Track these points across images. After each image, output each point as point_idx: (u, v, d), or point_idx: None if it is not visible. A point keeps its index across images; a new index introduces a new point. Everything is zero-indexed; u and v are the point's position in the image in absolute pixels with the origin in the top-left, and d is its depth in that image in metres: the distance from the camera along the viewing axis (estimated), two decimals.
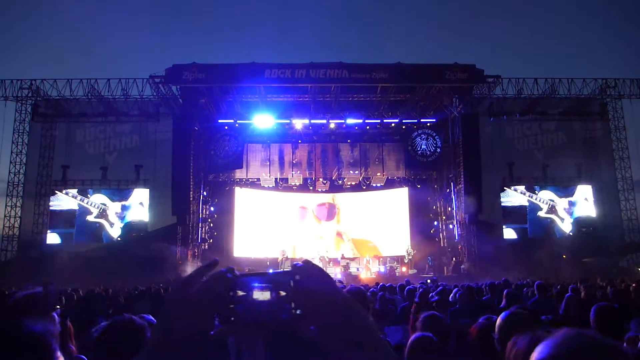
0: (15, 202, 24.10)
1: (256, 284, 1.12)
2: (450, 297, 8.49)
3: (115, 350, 2.23)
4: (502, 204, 25.19)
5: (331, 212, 26.75)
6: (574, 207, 25.27)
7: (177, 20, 58.45)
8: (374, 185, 26.53)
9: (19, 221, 24.04)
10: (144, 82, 23.18)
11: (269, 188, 26.28)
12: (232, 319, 1.09)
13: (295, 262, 1.17)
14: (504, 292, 7.03)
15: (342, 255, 24.96)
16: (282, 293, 1.09)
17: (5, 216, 23.78)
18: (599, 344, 0.97)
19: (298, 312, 1.08)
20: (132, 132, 25.18)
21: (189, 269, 21.91)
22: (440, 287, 9.82)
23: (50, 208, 24.37)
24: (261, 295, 1.10)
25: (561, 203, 25.26)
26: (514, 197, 25.35)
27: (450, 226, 24.65)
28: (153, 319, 3.95)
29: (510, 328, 2.53)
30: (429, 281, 14.82)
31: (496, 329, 2.66)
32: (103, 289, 11.56)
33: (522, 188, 25.34)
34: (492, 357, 2.72)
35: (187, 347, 1.03)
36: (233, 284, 1.11)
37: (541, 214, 25.27)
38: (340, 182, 26.44)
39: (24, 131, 24.47)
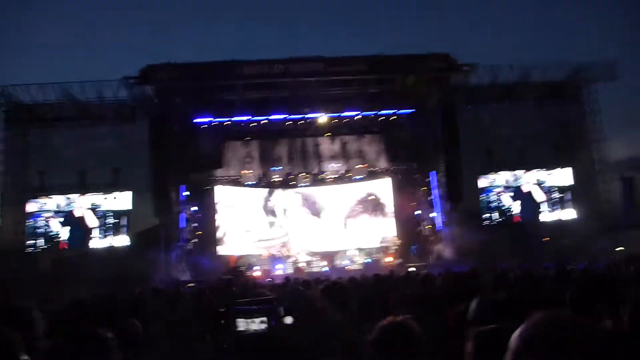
0: None
1: (246, 310, 1.14)
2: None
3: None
4: (482, 191, 25.32)
5: (314, 206, 26.72)
6: (553, 190, 25.55)
7: (150, 19, 57.75)
8: (356, 177, 26.60)
9: None
10: (119, 84, 22.86)
11: (250, 185, 26.19)
12: (225, 345, 1.11)
13: (282, 285, 1.23)
14: (488, 278, 7.12)
15: (327, 248, 25.04)
16: (276, 319, 1.13)
17: None
18: (573, 322, 1.02)
19: (287, 334, 1.12)
20: (108, 136, 24.75)
21: (174, 270, 21.83)
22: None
23: (31, 211, 23.89)
24: (253, 322, 1.13)
25: (539, 186, 25.52)
26: (493, 182, 25.51)
27: (433, 214, 24.86)
28: (138, 324, 3.92)
29: (482, 314, 2.55)
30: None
31: (469, 317, 2.68)
32: (90, 296, 11.41)
33: (501, 173, 25.51)
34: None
35: None
36: (224, 312, 1.13)
37: (517, 197, 25.45)
38: (322, 175, 26.46)
39: None
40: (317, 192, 26.76)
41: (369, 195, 26.64)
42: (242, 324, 1.08)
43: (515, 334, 1.09)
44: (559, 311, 1.09)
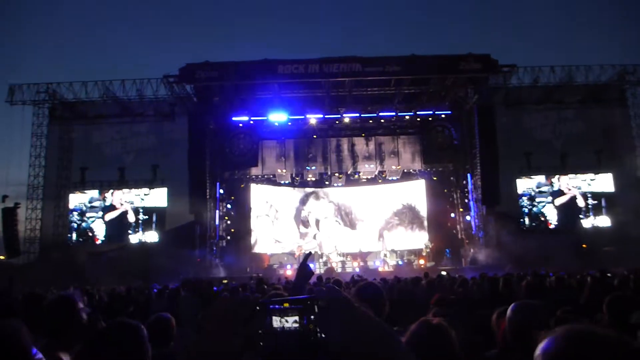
0: (36, 204, 24.42)
1: (279, 309, 1.14)
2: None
3: (111, 354, 2.24)
4: (520, 194, 24.84)
5: (349, 216, 26.56)
6: (592, 195, 24.85)
7: (190, 19, 58.69)
8: (390, 178, 26.41)
9: (39, 223, 24.36)
10: (158, 82, 23.35)
11: (285, 184, 26.33)
12: (260, 343, 1.12)
13: (317, 287, 1.22)
14: (523, 283, 6.96)
15: (360, 249, 24.94)
16: (310, 320, 1.13)
17: (26, 218, 24.12)
18: (601, 338, 0.95)
19: (322, 336, 1.11)
20: (148, 132, 25.34)
21: (208, 267, 22.12)
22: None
23: (72, 205, 24.58)
24: (287, 322, 1.13)
25: (580, 191, 24.87)
26: (531, 186, 24.98)
27: (468, 217, 24.48)
28: (171, 317, 3.98)
29: (521, 319, 2.49)
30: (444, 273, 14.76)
31: (506, 321, 2.61)
32: (125, 289, 11.70)
33: (540, 177, 24.99)
34: (508, 348, 2.68)
35: None
36: (260, 311, 1.14)
37: (559, 202, 24.87)
38: (356, 176, 26.37)
39: (42, 134, 24.76)
40: (351, 201, 26.59)
41: (406, 206, 26.38)
42: (276, 322, 1.10)
43: (539, 349, 1.02)
44: (583, 325, 1.02)
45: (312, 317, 1.12)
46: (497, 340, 3.13)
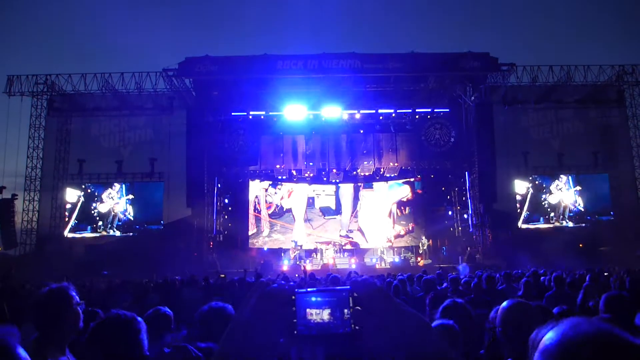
0: (33, 196, 24.35)
1: (314, 299, 1.16)
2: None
3: (107, 346, 2.26)
4: (517, 193, 24.88)
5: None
6: (588, 195, 24.92)
7: (190, 13, 58.45)
8: (388, 175, 26.42)
9: (36, 215, 24.31)
10: (157, 76, 23.26)
11: (282, 180, 26.30)
12: (295, 332, 1.13)
13: (353, 278, 1.23)
14: (522, 282, 6.99)
15: (358, 245, 24.95)
16: (345, 311, 1.14)
17: (23, 210, 24.06)
18: (608, 332, 0.93)
19: (357, 327, 1.12)
20: (146, 126, 25.27)
21: (205, 261, 22.09)
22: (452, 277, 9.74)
23: (69, 197, 24.57)
24: (322, 312, 1.14)
25: (577, 191, 24.94)
26: (528, 185, 25.01)
27: (465, 216, 24.52)
28: (170, 311, 3.98)
29: (513, 318, 2.49)
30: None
31: (498, 320, 2.60)
32: (120, 282, 11.70)
33: (536, 176, 25.03)
34: (497, 348, 2.68)
35: (254, 356, 1.08)
36: (294, 300, 1.15)
37: (555, 201, 24.92)
38: (353, 172, 26.37)
39: (40, 126, 24.68)
40: (348, 190, 26.56)
41: (400, 193, 26.37)
42: (310, 311, 1.12)
43: (543, 341, 0.97)
44: (592, 319, 1.00)
45: (347, 308, 1.14)
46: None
